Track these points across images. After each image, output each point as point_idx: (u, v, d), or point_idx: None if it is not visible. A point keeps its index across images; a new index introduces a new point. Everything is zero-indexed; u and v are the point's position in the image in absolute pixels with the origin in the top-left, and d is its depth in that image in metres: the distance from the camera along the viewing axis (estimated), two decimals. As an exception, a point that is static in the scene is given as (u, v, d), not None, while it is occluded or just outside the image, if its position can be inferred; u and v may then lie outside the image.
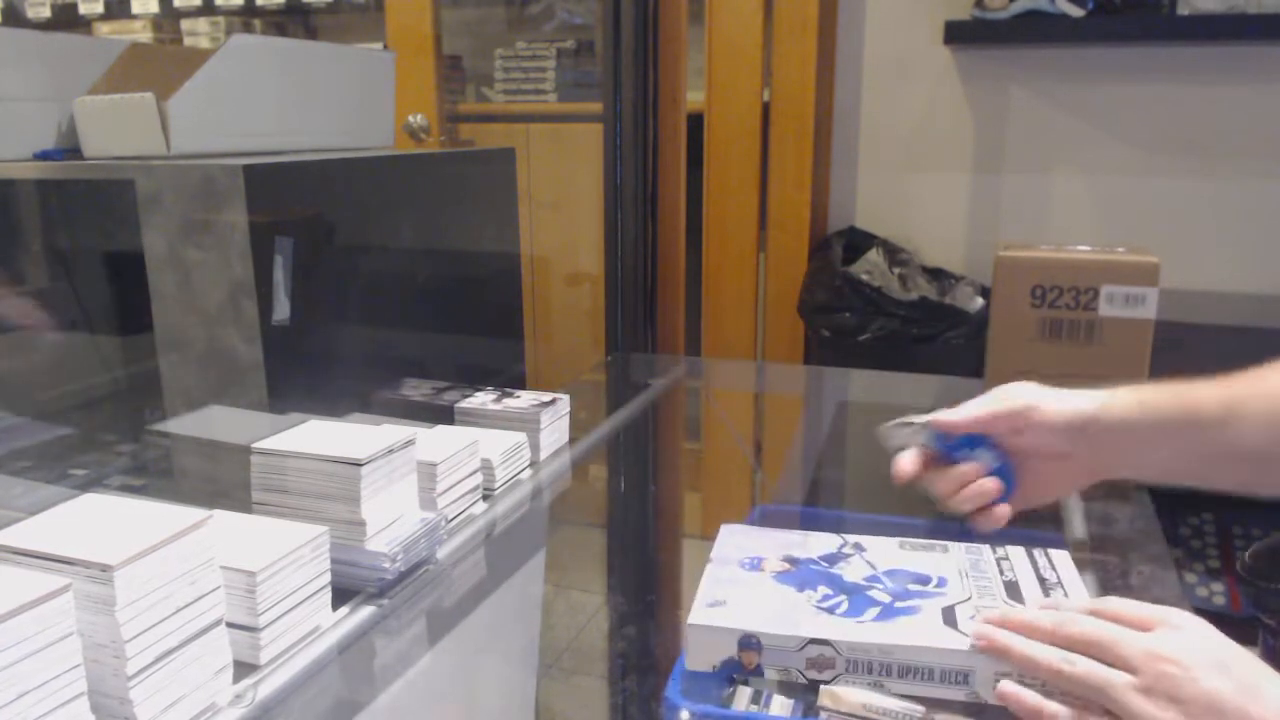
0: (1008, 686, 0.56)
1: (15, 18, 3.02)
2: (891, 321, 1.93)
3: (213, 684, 0.59)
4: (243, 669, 0.62)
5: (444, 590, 0.78)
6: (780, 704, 0.66)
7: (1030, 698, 0.55)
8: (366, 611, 0.71)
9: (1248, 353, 0.72)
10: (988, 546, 0.73)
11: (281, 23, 2.93)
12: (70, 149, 1.08)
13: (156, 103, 0.98)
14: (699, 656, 0.62)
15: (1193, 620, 0.55)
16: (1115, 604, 0.58)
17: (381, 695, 0.67)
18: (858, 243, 2.15)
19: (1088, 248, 1.12)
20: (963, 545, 0.73)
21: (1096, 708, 0.53)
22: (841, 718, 0.61)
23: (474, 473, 0.89)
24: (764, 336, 2.25)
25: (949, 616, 0.62)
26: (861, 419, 1.43)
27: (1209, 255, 2.03)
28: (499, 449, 0.94)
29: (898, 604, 0.64)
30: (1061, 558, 0.71)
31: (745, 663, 0.62)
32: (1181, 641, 0.53)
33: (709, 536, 0.76)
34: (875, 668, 0.59)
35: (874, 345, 1.93)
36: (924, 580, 0.67)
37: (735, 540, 0.74)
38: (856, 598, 0.64)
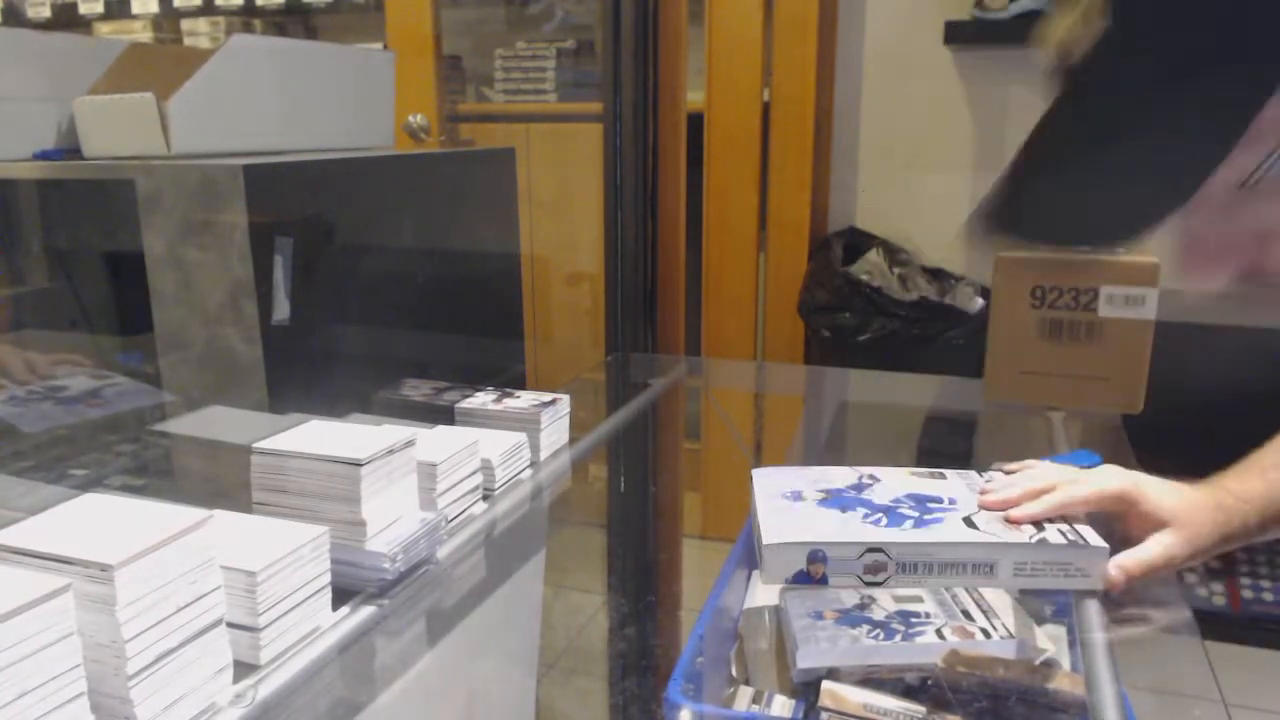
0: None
1: (15, 18, 3.02)
2: (891, 321, 1.93)
3: (213, 684, 0.59)
4: (243, 669, 0.62)
5: (444, 590, 0.78)
6: (781, 704, 0.66)
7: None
8: (366, 612, 0.71)
9: (1247, 352, 0.73)
10: (974, 472, 0.85)
11: (281, 23, 2.93)
12: (70, 149, 1.08)
13: (156, 103, 0.98)
14: (774, 572, 0.71)
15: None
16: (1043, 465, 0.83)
17: (381, 695, 0.67)
18: (858, 243, 2.15)
19: (1088, 248, 1.11)
20: (956, 472, 0.85)
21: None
22: (842, 718, 0.61)
23: (474, 473, 0.89)
24: (764, 336, 2.25)
25: (970, 523, 0.74)
26: (861, 419, 1.43)
27: (1209, 255, 2.02)
28: (499, 449, 0.94)
29: (926, 517, 0.75)
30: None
31: (813, 573, 0.70)
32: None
33: (709, 536, 0.76)
34: (919, 568, 0.71)
35: (874, 345, 1.93)
36: (938, 500, 0.78)
37: (770, 480, 0.82)
38: (892, 515, 0.75)
